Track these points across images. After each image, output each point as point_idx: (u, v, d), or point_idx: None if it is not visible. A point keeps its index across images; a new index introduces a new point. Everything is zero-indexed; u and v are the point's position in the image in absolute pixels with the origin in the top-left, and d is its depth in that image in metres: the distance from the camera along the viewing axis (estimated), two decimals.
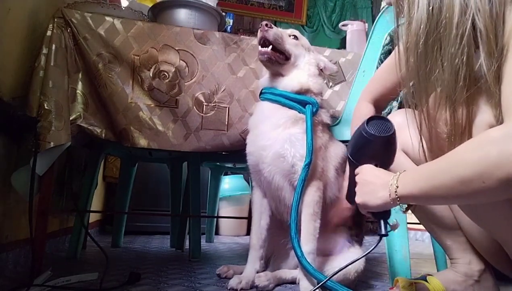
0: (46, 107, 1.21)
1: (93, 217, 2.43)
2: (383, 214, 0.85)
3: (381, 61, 1.37)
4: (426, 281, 0.94)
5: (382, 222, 0.86)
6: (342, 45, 3.28)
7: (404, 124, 0.95)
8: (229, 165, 2.49)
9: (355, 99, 1.34)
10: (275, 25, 4.24)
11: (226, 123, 1.43)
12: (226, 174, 2.93)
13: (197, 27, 1.48)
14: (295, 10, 4.39)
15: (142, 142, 1.35)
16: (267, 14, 4.32)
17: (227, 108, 1.44)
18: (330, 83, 1.56)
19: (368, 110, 1.08)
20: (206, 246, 2.27)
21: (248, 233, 2.83)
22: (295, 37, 1.27)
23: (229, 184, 3.01)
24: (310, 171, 1.10)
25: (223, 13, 1.70)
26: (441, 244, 0.99)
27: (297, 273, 1.12)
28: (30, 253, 1.27)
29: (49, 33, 1.29)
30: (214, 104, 1.43)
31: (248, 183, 2.99)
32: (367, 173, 0.84)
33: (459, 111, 0.71)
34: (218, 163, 2.44)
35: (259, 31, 1.19)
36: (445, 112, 0.72)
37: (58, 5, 1.40)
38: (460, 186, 0.63)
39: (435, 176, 0.68)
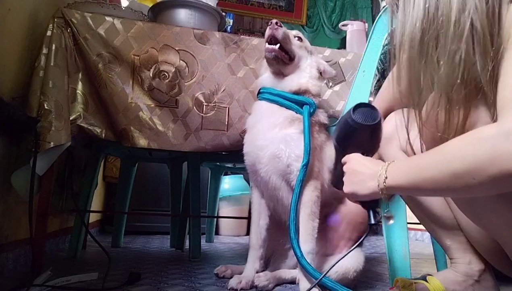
0: (46, 107, 1.21)
1: (93, 217, 2.43)
2: (372, 203, 0.86)
3: (381, 61, 1.38)
4: (426, 281, 0.94)
5: (371, 211, 0.86)
6: (342, 45, 3.28)
7: (403, 124, 0.95)
8: (229, 165, 2.49)
9: (355, 99, 1.34)
10: None
11: (226, 123, 1.43)
12: (226, 174, 2.93)
13: (197, 27, 1.48)
14: (295, 10, 4.39)
15: (142, 142, 1.35)
16: (267, 14, 4.32)
17: (227, 108, 1.44)
18: (330, 83, 1.56)
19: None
20: (206, 246, 2.27)
21: (248, 233, 2.83)
22: (300, 39, 1.28)
23: (229, 184, 3.01)
24: (308, 171, 1.10)
25: (223, 13, 1.70)
26: (441, 244, 1.00)
27: (297, 273, 1.12)
28: (30, 253, 1.27)
29: (49, 33, 1.29)
30: (214, 104, 1.43)
31: (248, 183, 2.99)
32: (355, 162, 0.85)
33: (455, 110, 0.71)
34: (218, 163, 2.44)
35: (268, 28, 1.19)
36: (440, 112, 0.72)
37: (58, 5, 1.40)
38: (451, 180, 0.64)
39: (426, 168, 0.68)
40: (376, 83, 1.50)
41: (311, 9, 4.44)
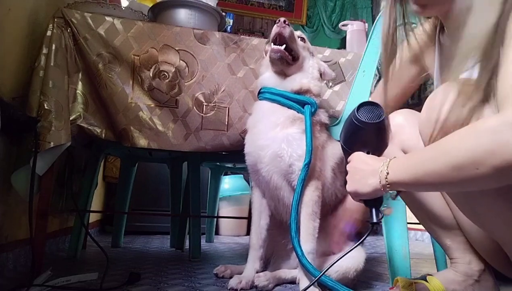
0: (46, 107, 1.21)
1: (93, 217, 2.43)
2: (374, 201, 0.85)
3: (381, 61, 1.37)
4: (426, 281, 0.94)
5: (373, 210, 0.86)
6: (342, 45, 3.29)
7: (403, 124, 0.96)
8: (229, 165, 2.49)
9: (355, 99, 1.34)
10: None
11: (226, 123, 1.43)
12: (226, 174, 2.93)
13: (197, 27, 1.48)
14: (295, 10, 4.39)
15: (142, 142, 1.35)
16: (267, 14, 4.32)
17: (227, 108, 1.44)
18: (330, 83, 1.56)
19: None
20: (206, 246, 2.27)
21: (248, 233, 2.83)
22: (303, 40, 1.28)
23: (229, 184, 3.01)
24: (309, 171, 1.10)
25: (223, 13, 1.70)
26: (441, 244, 1.00)
27: (297, 273, 1.12)
28: (30, 253, 1.27)
29: (49, 33, 1.29)
30: (214, 104, 1.43)
31: (248, 183, 2.99)
32: (357, 160, 0.85)
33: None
34: (218, 163, 2.44)
35: (275, 26, 1.19)
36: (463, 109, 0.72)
37: (58, 5, 1.40)
38: (453, 173, 0.64)
39: (427, 162, 0.69)
40: (376, 83, 1.50)
41: (311, 9, 4.44)
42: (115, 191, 2.45)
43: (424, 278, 0.96)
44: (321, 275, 0.95)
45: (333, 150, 1.23)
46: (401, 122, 0.96)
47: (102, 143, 1.68)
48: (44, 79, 1.24)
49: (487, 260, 0.93)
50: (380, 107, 0.85)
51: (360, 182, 0.81)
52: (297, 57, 1.23)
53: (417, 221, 1.04)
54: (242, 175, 3.08)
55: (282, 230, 1.25)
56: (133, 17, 1.48)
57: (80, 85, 1.34)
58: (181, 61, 1.41)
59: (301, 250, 1.03)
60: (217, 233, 2.93)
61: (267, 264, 1.29)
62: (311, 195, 1.13)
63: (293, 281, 1.20)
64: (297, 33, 1.28)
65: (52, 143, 1.19)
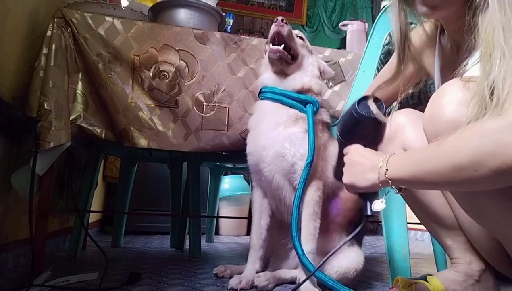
0: (46, 107, 1.21)
1: (93, 217, 2.43)
2: (370, 195, 0.86)
3: (381, 61, 1.38)
4: (426, 281, 0.94)
5: (368, 203, 0.86)
6: (342, 45, 3.28)
7: (404, 124, 0.95)
8: (229, 165, 2.49)
9: (355, 99, 1.34)
10: None
11: (226, 123, 1.43)
12: (226, 174, 2.93)
13: (197, 27, 1.48)
14: (295, 10, 4.39)
15: (142, 142, 1.35)
16: (267, 14, 4.32)
17: (227, 108, 1.44)
18: (330, 83, 1.56)
19: None
20: (206, 246, 2.27)
21: (248, 233, 2.83)
22: (301, 38, 1.28)
23: (229, 184, 3.01)
24: (311, 171, 1.10)
25: (223, 13, 1.70)
26: (441, 243, 0.99)
27: (297, 273, 1.12)
28: (30, 253, 1.27)
29: (49, 33, 1.29)
30: (214, 104, 1.43)
31: (248, 183, 2.99)
32: (356, 153, 0.85)
33: None
34: (218, 163, 2.44)
35: (273, 25, 1.18)
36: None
37: (58, 5, 1.40)
38: (453, 173, 0.64)
39: (428, 161, 0.69)
40: None
41: (311, 9, 4.44)
42: (115, 191, 2.45)
43: (424, 278, 0.96)
44: (317, 269, 0.96)
45: (335, 149, 1.22)
46: (402, 122, 0.96)
47: (102, 143, 1.68)
48: (44, 79, 1.24)
49: (488, 260, 0.93)
50: (380, 102, 0.85)
51: (357, 175, 0.81)
52: (296, 56, 1.23)
53: (417, 221, 1.04)
54: (242, 175, 3.08)
55: (282, 230, 1.25)
56: (133, 17, 1.48)
57: (80, 85, 1.34)
58: (181, 61, 1.41)
59: (302, 250, 1.03)
60: (217, 233, 2.93)
61: (267, 264, 1.29)
62: (313, 195, 1.12)
63: (293, 281, 1.20)
64: (295, 32, 1.28)
65: (52, 143, 1.19)
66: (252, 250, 1.23)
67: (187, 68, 1.42)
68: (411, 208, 1.05)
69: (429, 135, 0.78)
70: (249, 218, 2.27)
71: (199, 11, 1.56)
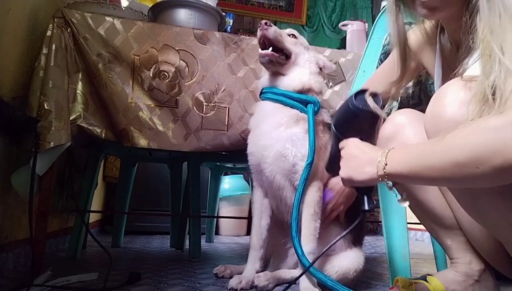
0: (46, 107, 1.21)
1: (93, 217, 2.43)
2: (366, 189, 0.85)
3: (381, 61, 1.38)
4: (426, 281, 0.94)
5: (365, 197, 0.86)
6: (342, 45, 3.28)
7: (404, 124, 0.96)
8: (229, 165, 2.49)
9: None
10: (275, 25, 4.26)
11: (226, 123, 1.43)
12: (226, 174, 2.93)
13: (197, 27, 1.48)
14: (295, 10, 4.39)
15: (142, 142, 1.35)
16: (267, 14, 4.32)
17: (227, 108, 1.44)
18: (330, 83, 1.56)
19: None
20: (206, 246, 2.27)
21: (248, 233, 2.83)
22: (294, 36, 1.27)
23: (229, 184, 3.01)
24: (311, 171, 1.10)
25: (223, 13, 1.70)
26: (441, 243, 0.99)
27: (297, 273, 1.11)
28: (30, 253, 1.27)
29: (49, 33, 1.29)
30: (214, 104, 1.43)
31: (248, 183, 2.99)
32: (353, 147, 0.84)
33: None
34: (218, 163, 2.44)
35: (258, 30, 1.19)
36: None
37: (58, 5, 1.40)
38: (454, 169, 0.64)
39: (428, 156, 0.68)
40: None
41: (311, 9, 4.44)
42: (115, 191, 2.45)
43: (424, 278, 0.96)
44: (312, 264, 0.96)
45: None
46: (402, 122, 0.96)
47: (102, 144, 1.68)
48: (44, 79, 1.24)
49: (488, 260, 0.93)
50: (378, 96, 0.85)
51: (355, 169, 0.81)
52: (290, 54, 1.22)
53: (417, 221, 1.04)
54: (242, 175, 3.08)
55: (282, 230, 1.25)
56: (133, 17, 1.48)
57: (80, 85, 1.34)
58: (181, 61, 1.41)
59: (301, 250, 1.03)
60: (217, 233, 2.93)
61: (267, 264, 1.29)
62: (313, 195, 1.12)
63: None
64: (287, 30, 1.27)
65: (52, 143, 1.19)
66: (252, 250, 1.23)
67: (187, 68, 1.42)
68: (411, 209, 1.05)
69: (430, 135, 0.78)
70: (249, 218, 2.28)
71: (199, 11, 1.56)
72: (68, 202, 1.77)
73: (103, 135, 1.34)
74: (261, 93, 1.25)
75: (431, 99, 0.77)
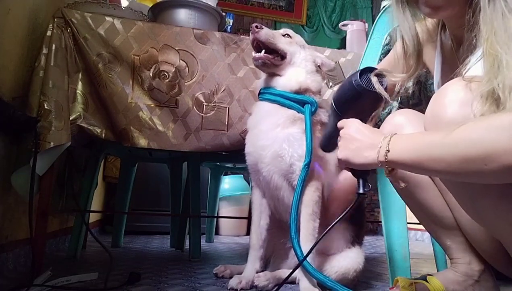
0: (46, 107, 1.21)
1: (93, 217, 2.44)
2: (363, 172, 0.83)
3: (381, 61, 1.38)
4: (426, 281, 0.94)
5: (361, 180, 0.83)
6: (342, 45, 3.28)
7: (403, 124, 0.95)
8: (229, 165, 2.49)
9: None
10: (275, 25, 4.27)
11: (226, 123, 1.43)
12: (226, 174, 2.93)
13: (197, 27, 1.48)
14: (295, 10, 4.39)
15: (142, 142, 1.35)
16: (267, 14, 4.32)
17: (227, 108, 1.44)
18: (330, 83, 1.56)
19: None
20: (206, 246, 2.27)
21: (248, 233, 2.83)
22: (288, 36, 1.27)
23: (229, 184, 3.01)
24: (309, 171, 1.10)
25: (223, 13, 1.70)
26: (441, 244, 0.99)
27: (297, 273, 1.11)
28: (30, 253, 1.27)
29: (49, 33, 1.29)
30: (214, 104, 1.43)
31: (248, 183, 2.99)
32: (354, 128, 0.82)
33: None
34: (218, 163, 2.44)
35: (250, 34, 1.19)
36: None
37: (58, 5, 1.40)
38: (461, 164, 0.63)
39: (435, 148, 0.67)
40: None
41: (311, 9, 4.44)
42: (115, 191, 2.45)
43: (424, 278, 0.96)
44: (305, 259, 0.97)
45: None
46: (401, 122, 0.96)
47: (102, 144, 1.68)
48: (44, 79, 1.24)
49: (487, 260, 0.93)
50: (383, 76, 0.81)
51: (354, 151, 0.79)
52: (284, 54, 1.22)
53: (417, 221, 1.04)
54: (242, 175, 3.08)
55: (282, 230, 1.25)
56: (133, 17, 1.48)
57: (80, 85, 1.35)
58: (181, 61, 1.41)
59: (301, 250, 1.03)
60: (217, 233, 2.94)
61: (267, 264, 1.29)
62: (312, 195, 1.12)
63: (293, 281, 1.20)
64: (281, 31, 1.27)
65: (52, 143, 1.19)
66: (252, 250, 1.23)
67: (187, 68, 1.42)
68: (410, 209, 1.05)
69: None
70: (249, 218, 2.27)
71: (199, 11, 1.56)
72: (68, 202, 1.77)
73: (103, 135, 1.34)
74: (259, 93, 1.25)
75: (432, 99, 0.77)
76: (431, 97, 0.78)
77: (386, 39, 1.34)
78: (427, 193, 0.96)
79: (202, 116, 1.41)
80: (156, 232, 2.77)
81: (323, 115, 1.24)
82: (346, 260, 1.15)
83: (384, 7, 1.40)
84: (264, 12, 4.32)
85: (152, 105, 1.38)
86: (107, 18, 1.36)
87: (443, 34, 1.00)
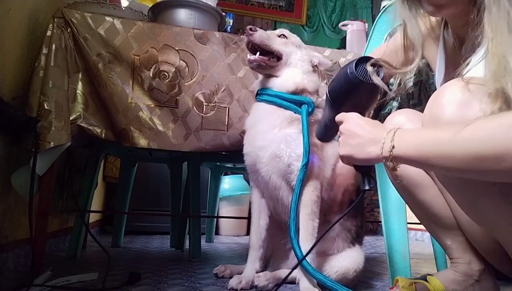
0: (46, 107, 1.21)
1: (93, 217, 2.43)
2: (367, 167, 0.82)
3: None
4: (426, 281, 0.94)
5: (365, 176, 0.82)
6: (342, 45, 3.28)
7: (403, 124, 0.95)
8: (229, 165, 2.50)
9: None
10: (275, 25, 4.27)
11: (226, 123, 1.43)
12: (226, 174, 2.93)
13: (197, 27, 1.48)
14: (295, 10, 4.39)
15: (142, 142, 1.35)
16: (267, 14, 4.32)
17: (227, 108, 1.44)
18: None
19: None
20: (206, 246, 2.27)
21: (248, 233, 2.83)
22: (284, 36, 1.26)
23: (229, 184, 3.01)
24: (308, 171, 1.10)
25: (223, 13, 1.70)
26: (441, 243, 1.00)
27: (297, 273, 1.12)
28: (30, 253, 1.27)
29: (49, 33, 1.29)
30: (214, 104, 1.43)
31: (248, 183, 2.99)
32: (354, 123, 0.80)
33: None
34: (218, 163, 2.44)
35: (245, 36, 1.19)
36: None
37: (58, 5, 1.40)
38: (472, 162, 0.61)
39: (444, 145, 0.65)
40: None
41: (311, 9, 4.44)
42: (115, 191, 2.45)
43: (424, 278, 0.96)
44: (304, 258, 0.97)
45: (334, 148, 1.23)
46: (401, 121, 0.95)
47: (102, 144, 1.68)
48: (44, 79, 1.24)
49: (488, 259, 0.93)
50: (380, 67, 0.79)
51: (356, 147, 0.77)
52: (280, 55, 1.21)
53: (417, 221, 1.04)
54: (242, 175, 3.08)
55: (281, 230, 1.25)
56: (133, 17, 1.48)
57: (80, 85, 1.34)
58: (181, 61, 1.41)
59: (301, 251, 1.03)
60: (217, 233, 2.94)
61: (267, 264, 1.29)
62: (310, 194, 1.12)
63: (292, 281, 1.20)
64: (277, 31, 1.27)
65: (52, 143, 1.19)
66: (251, 250, 1.23)
67: (187, 68, 1.42)
68: (410, 208, 1.05)
69: None
70: (249, 218, 2.27)
71: (199, 11, 1.56)
72: (68, 202, 1.77)
73: (103, 135, 1.34)
74: (257, 94, 1.25)
75: (430, 99, 0.76)
76: None
77: (386, 39, 1.34)
78: (427, 192, 0.96)
79: (202, 116, 1.41)
80: (156, 232, 2.77)
81: (321, 115, 1.24)
82: (346, 260, 1.15)
83: (384, 7, 1.40)
84: (264, 12, 4.32)
85: (152, 105, 1.38)
86: (107, 18, 1.36)
87: (446, 32, 1.00)
